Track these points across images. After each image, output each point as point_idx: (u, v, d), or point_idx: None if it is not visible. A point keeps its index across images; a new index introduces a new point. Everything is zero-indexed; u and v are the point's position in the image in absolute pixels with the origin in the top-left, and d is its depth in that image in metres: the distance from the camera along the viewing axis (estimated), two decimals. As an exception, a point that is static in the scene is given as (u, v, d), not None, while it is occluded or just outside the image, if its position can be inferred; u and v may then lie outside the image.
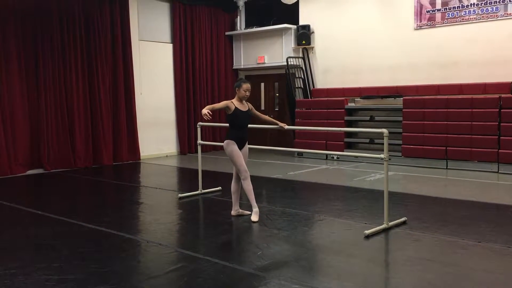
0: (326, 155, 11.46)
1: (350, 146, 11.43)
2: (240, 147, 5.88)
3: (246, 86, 5.88)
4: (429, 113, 10.04)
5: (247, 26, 13.79)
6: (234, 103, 5.84)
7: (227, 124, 6.03)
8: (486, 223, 5.68)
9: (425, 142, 10.05)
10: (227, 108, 5.81)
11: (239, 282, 4.03)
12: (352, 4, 11.84)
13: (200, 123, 7.67)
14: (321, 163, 10.92)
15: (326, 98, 11.89)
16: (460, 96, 9.94)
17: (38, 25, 9.98)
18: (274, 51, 13.10)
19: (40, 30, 10.01)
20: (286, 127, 6.35)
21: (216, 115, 13.32)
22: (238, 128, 5.88)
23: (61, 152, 10.39)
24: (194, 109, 12.91)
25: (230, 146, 5.81)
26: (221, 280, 4.01)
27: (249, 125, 6.05)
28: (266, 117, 6.37)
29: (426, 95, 10.43)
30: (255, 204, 5.90)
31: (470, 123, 9.55)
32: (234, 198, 6.11)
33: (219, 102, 13.20)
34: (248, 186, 5.82)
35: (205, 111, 5.50)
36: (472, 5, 10.14)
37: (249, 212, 5.99)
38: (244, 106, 5.94)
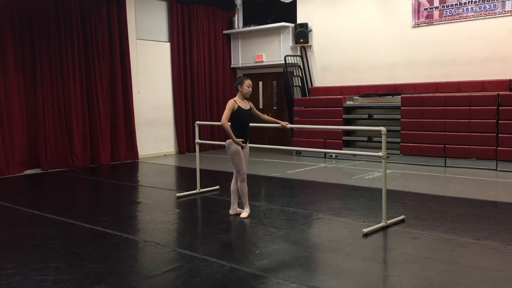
0: (325, 153, 11.44)
1: (348, 144, 11.41)
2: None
3: (249, 82, 5.90)
4: (427, 111, 10.03)
5: (245, 25, 13.76)
6: (236, 102, 5.82)
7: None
8: (484, 220, 5.68)
9: (424, 140, 10.04)
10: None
11: (237, 282, 4.01)
12: (350, 2, 11.81)
13: (198, 122, 7.63)
14: (320, 161, 10.91)
15: (324, 97, 11.88)
16: (458, 94, 9.93)
17: (35, 24, 9.95)
18: (272, 50, 13.07)
19: (37, 29, 9.97)
20: (289, 125, 6.32)
21: (215, 113, 13.32)
22: (241, 126, 5.86)
23: (59, 152, 10.37)
24: (192, 108, 12.89)
25: (234, 146, 5.80)
26: (219, 280, 4.00)
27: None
28: (267, 116, 6.35)
29: (424, 93, 10.41)
30: (248, 205, 6.06)
31: (468, 120, 9.55)
32: (233, 198, 6.11)
33: (216, 101, 13.43)
34: (244, 188, 5.92)
35: (242, 144, 5.69)
36: (470, 3, 10.12)
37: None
38: (246, 105, 5.92)
